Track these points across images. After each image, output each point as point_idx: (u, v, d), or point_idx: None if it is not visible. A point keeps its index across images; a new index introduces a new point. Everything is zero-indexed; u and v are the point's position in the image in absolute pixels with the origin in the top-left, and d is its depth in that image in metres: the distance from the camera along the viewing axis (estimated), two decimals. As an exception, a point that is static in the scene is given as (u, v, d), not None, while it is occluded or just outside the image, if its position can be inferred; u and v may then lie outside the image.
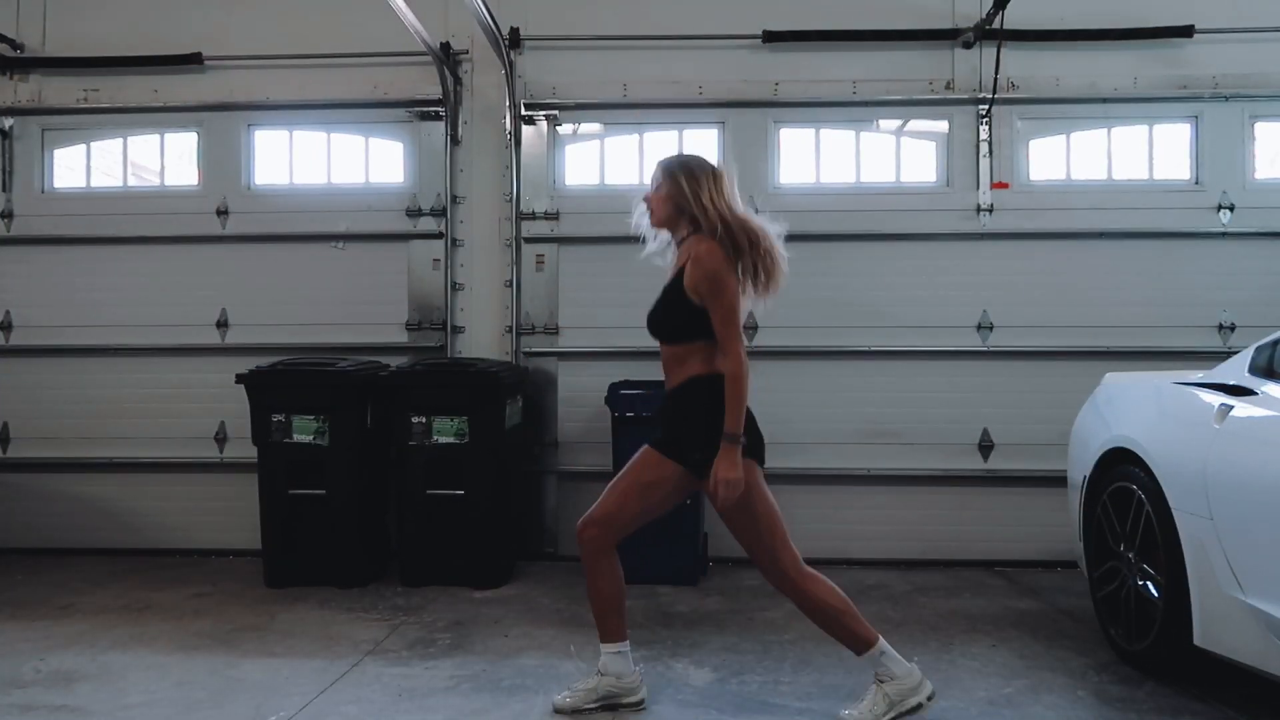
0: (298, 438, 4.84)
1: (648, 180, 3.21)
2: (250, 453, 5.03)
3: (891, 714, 2.98)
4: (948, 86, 5.56)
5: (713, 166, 3.09)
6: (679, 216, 3.07)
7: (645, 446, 3.08)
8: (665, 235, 3.17)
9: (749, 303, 3.05)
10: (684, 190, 3.01)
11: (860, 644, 3.02)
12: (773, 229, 3.05)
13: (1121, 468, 3.67)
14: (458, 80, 5.70)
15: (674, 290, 3.02)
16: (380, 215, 5.71)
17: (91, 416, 5.75)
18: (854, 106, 5.60)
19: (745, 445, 2.95)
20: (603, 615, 3.16)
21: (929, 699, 3.03)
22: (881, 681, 3.00)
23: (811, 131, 5.70)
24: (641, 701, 3.21)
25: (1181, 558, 3.22)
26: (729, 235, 2.96)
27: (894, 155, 5.69)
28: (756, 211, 3.11)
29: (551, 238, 5.67)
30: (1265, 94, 5.43)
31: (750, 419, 3.03)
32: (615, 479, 3.14)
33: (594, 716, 3.13)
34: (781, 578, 3.03)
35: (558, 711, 3.16)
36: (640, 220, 3.20)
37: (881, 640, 3.02)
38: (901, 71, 5.56)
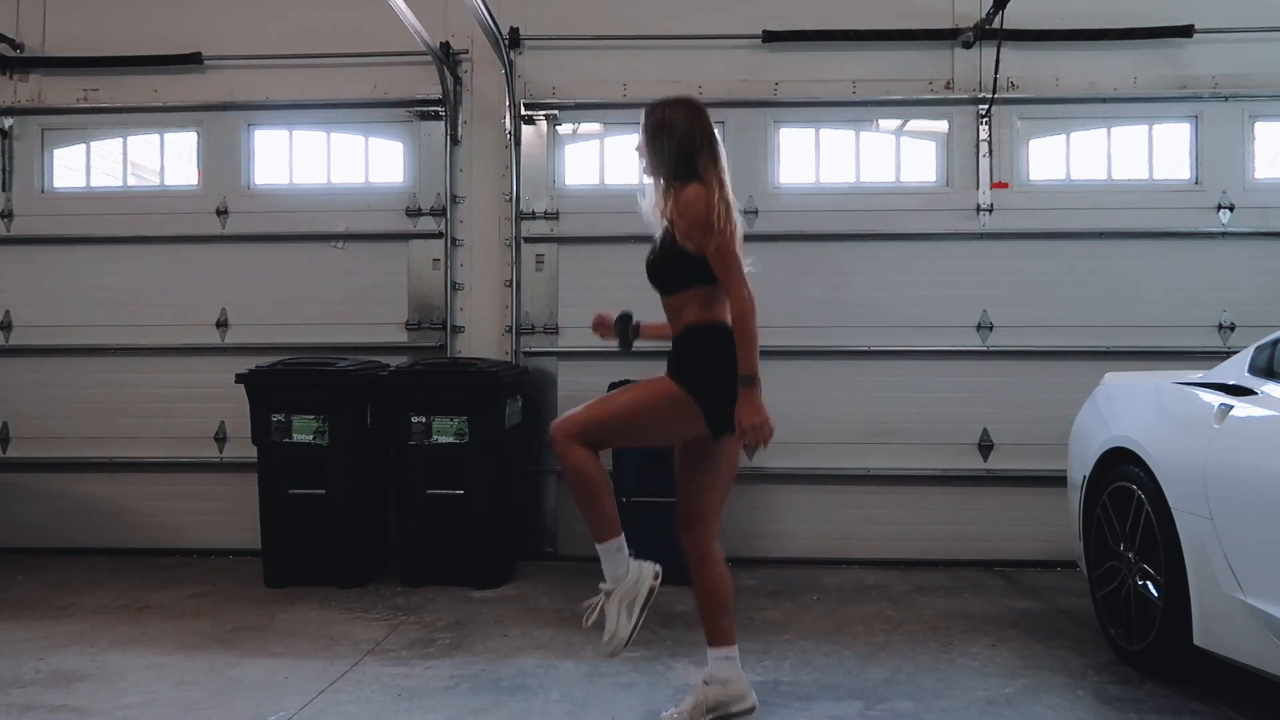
0: (297, 437, 4.84)
1: (648, 180, 3.10)
2: (250, 452, 5.03)
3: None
4: (947, 86, 5.56)
5: (694, 114, 2.94)
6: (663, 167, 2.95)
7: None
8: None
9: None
10: (663, 147, 2.90)
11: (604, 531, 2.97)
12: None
13: (1121, 467, 3.67)
14: (458, 80, 5.70)
15: (669, 242, 2.90)
16: (380, 215, 5.71)
17: (91, 416, 5.75)
18: (854, 106, 5.60)
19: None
20: (710, 614, 2.96)
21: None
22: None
23: (811, 131, 5.70)
24: (753, 708, 2.94)
25: (1181, 557, 3.22)
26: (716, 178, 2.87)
27: (894, 155, 5.69)
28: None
29: (551, 237, 5.67)
30: (1265, 94, 5.43)
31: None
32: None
33: None
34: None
35: None
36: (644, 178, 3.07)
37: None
38: (901, 71, 5.56)
